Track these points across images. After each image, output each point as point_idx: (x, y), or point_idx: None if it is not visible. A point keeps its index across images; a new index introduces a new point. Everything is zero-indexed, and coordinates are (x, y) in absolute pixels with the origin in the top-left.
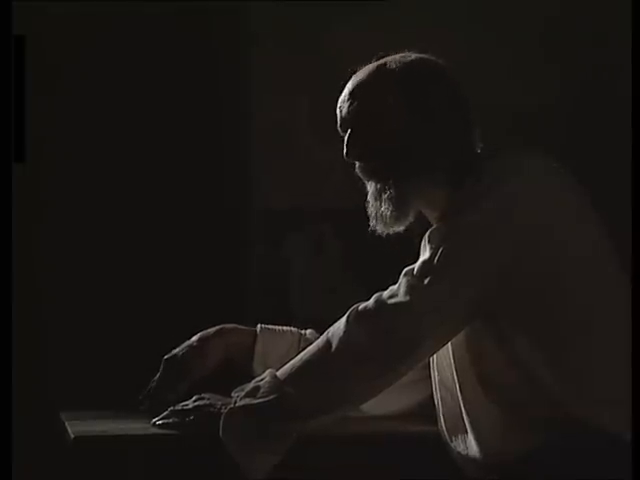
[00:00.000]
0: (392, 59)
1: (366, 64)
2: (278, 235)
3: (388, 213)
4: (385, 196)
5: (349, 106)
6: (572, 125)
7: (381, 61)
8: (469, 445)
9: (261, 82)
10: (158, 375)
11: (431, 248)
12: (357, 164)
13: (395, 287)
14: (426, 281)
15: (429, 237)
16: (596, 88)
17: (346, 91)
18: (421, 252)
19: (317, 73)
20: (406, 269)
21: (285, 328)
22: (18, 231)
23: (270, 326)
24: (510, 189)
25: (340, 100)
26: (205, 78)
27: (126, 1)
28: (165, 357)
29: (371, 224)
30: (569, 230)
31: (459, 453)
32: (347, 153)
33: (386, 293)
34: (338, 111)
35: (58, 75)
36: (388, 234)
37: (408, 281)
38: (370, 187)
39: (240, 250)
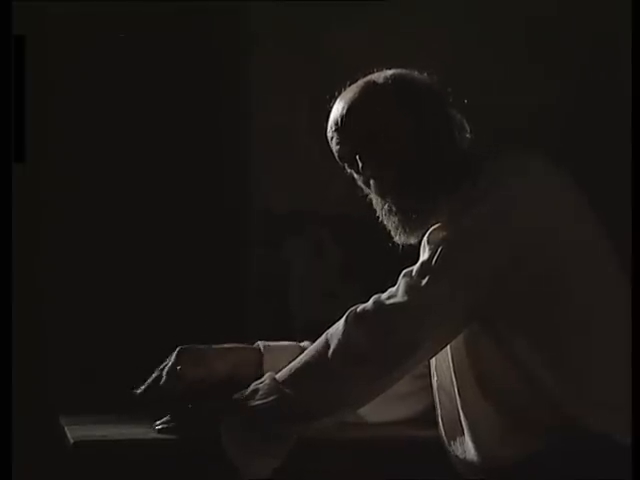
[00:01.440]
0: (376, 76)
1: (352, 83)
2: (278, 237)
3: (409, 225)
4: (405, 209)
5: (351, 130)
6: (571, 125)
7: (366, 79)
8: (467, 449)
9: (261, 82)
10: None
11: (430, 249)
12: (372, 182)
13: (394, 289)
14: (424, 282)
15: (428, 238)
16: (595, 88)
17: (341, 114)
18: (420, 253)
19: (317, 73)
20: (405, 270)
21: (285, 343)
22: (18, 231)
23: (271, 343)
24: (509, 191)
25: (333, 126)
26: (205, 78)
27: (126, 1)
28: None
29: (393, 237)
30: (568, 231)
31: (457, 457)
32: (363, 171)
33: (385, 295)
34: (335, 136)
35: (58, 75)
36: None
37: (407, 282)
38: (386, 201)
39: (240, 251)
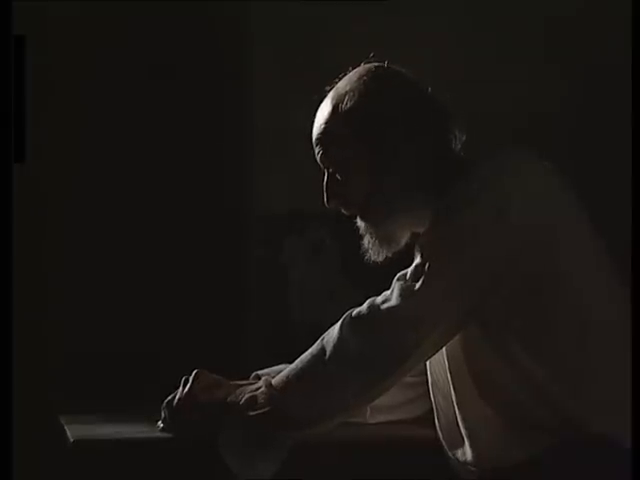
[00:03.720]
0: (347, 94)
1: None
2: (277, 238)
3: (378, 247)
4: (373, 232)
5: (318, 153)
6: (571, 126)
7: (335, 99)
8: (465, 450)
9: (261, 83)
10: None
11: (423, 252)
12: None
13: (388, 292)
14: (418, 285)
15: (422, 241)
16: (595, 88)
17: (318, 131)
18: (415, 256)
19: (317, 73)
20: (399, 274)
21: (281, 366)
22: (18, 231)
23: (265, 370)
24: (502, 191)
25: (313, 136)
26: (205, 79)
27: (126, 1)
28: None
29: (365, 253)
30: (563, 231)
31: (457, 459)
32: (327, 201)
33: (379, 298)
34: (315, 148)
35: (58, 75)
36: None
37: (401, 286)
38: (357, 220)
39: (239, 253)
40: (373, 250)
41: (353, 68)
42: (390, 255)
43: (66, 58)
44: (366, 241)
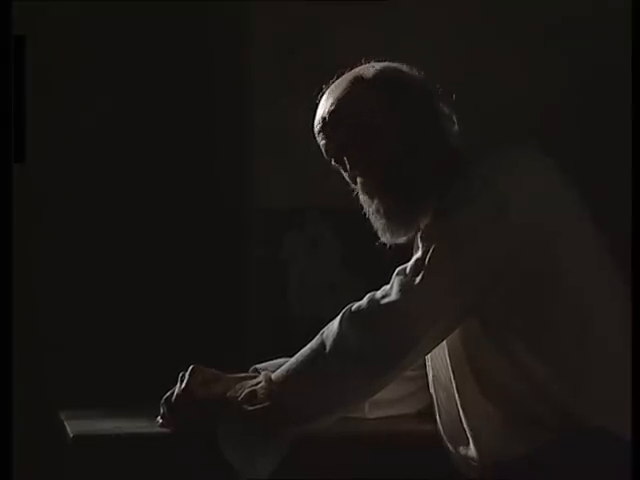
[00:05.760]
0: (364, 71)
1: (341, 76)
2: (277, 234)
3: (395, 226)
4: (391, 210)
5: (338, 128)
6: (570, 124)
7: (355, 74)
8: (466, 445)
9: (261, 82)
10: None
11: (423, 247)
12: (358, 180)
13: (388, 287)
14: (417, 280)
15: (421, 236)
16: (596, 87)
17: (329, 110)
18: (414, 251)
19: (317, 73)
20: (399, 268)
21: (280, 360)
22: (17, 231)
23: (263, 364)
24: (502, 189)
25: (320, 121)
26: (205, 78)
27: (126, 1)
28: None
29: (380, 237)
30: (564, 229)
31: (458, 454)
32: (350, 169)
33: (379, 293)
34: (321, 132)
35: (58, 75)
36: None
37: (400, 280)
38: (373, 203)
39: (239, 249)
40: (390, 231)
41: (352, 69)
42: (403, 239)
43: (66, 58)
44: (382, 222)
